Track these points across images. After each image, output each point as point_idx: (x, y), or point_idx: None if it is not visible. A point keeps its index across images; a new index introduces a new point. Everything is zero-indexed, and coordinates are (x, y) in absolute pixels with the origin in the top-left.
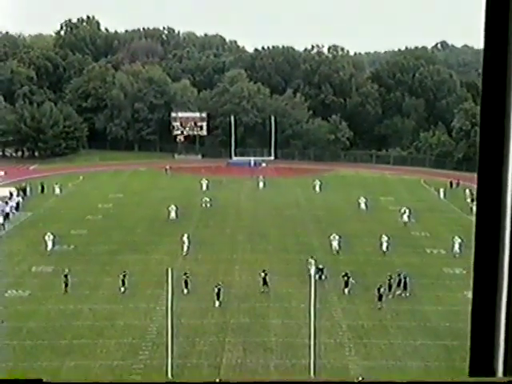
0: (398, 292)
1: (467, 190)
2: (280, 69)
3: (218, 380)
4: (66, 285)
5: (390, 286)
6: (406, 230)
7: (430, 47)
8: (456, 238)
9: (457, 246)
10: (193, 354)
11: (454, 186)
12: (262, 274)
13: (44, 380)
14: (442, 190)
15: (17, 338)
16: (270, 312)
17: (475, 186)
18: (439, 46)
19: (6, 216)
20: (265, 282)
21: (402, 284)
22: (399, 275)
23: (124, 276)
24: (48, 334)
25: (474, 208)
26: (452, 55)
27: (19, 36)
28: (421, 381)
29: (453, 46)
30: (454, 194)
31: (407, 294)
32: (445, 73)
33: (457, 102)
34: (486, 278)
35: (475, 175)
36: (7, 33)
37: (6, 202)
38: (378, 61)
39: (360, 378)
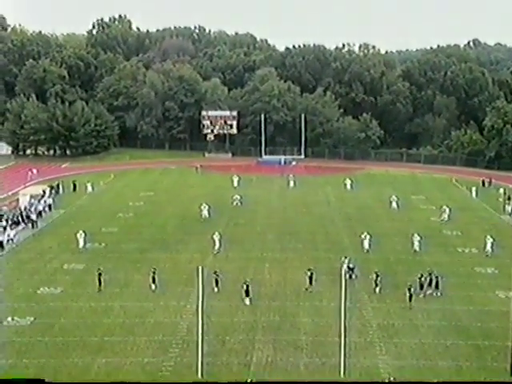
0: (428, 291)
1: (501, 189)
2: (310, 67)
3: (248, 380)
4: (100, 282)
5: (421, 286)
6: (438, 228)
7: (462, 45)
8: (488, 237)
9: (489, 246)
10: (223, 352)
11: (487, 184)
12: (309, 273)
13: (46, 380)
14: (473, 189)
15: (49, 334)
16: (301, 310)
17: (509, 185)
18: (471, 43)
19: (39, 214)
20: (310, 280)
21: (433, 283)
22: (430, 274)
23: (154, 274)
24: (79, 330)
25: (507, 207)
26: (484, 53)
27: (52, 35)
28: (464, 381)
29: (485, 43)
30: (486, 193)
31: (438, 294)
32: (477, 71)
33: (489, 101)
34: None
35: (508, 174)
36: (40, 32)
37: (39, 200)
38: (410, 59)
39: (392, 379)
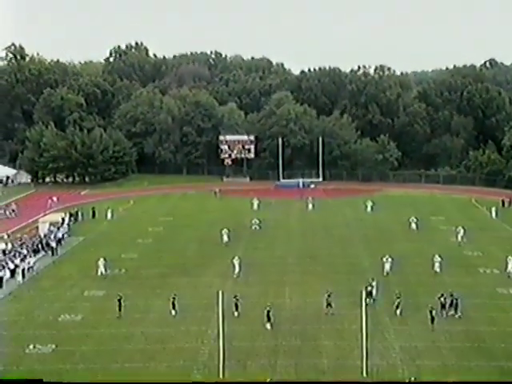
0: (450, 312)
1: None
2: (326, 90)
3: (268, 379)
4: (120, 308)
5: (442, 306)
6: (458, 249)
7: (478, 65)
8: (510, 257)
9: (510, 266)
10: (244, 376)
11: (506, 204)
12: (326, 296)
13: (44, 380)
14: (493, 209)
15: (70, 361)
16: (322, 334)
17: None
18: (487, 63)
19: (59, 241)
20: (329, 304)
21: (454, 304)
22: (452, 295)
23: (174, 300)
24: (100, 357)
25: None
26: (501, 73)
27: (69, 63)
28: (475, 381)
29: (502, 63)
30: (506, 213)
31: (460, 315)
32: (493, 90)
33: (506, 120)
34: None
35: None
36: (58, 60)
37: (58, 228)
38: (425, 80)
39: (412, 379)
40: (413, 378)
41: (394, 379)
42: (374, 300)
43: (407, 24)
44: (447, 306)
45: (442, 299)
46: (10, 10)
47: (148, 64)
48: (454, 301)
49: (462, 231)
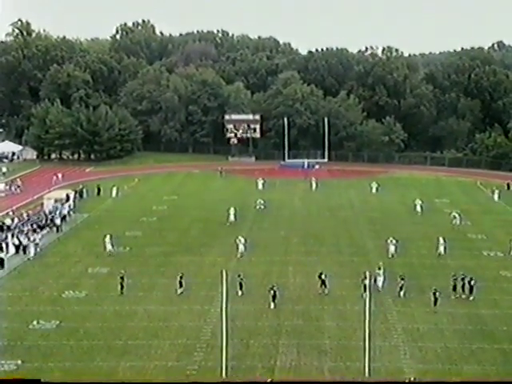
0: (463, 296)
1: None
2: (333, 70)
3: (269, 380)
4: (122, 286)
5: (453, 286)
6: (462, 232)
7: (486, 48)
8: None
9: None
10: (247, 355)
11: None
12: (322, 276)
13: (42, 380)
14: (496, 192)
15: (74, 338)
16: (325, 314)
17: None
18: (496, 46)
19: (64, 218)
20: (323, 283)
21: (470, 287)
22: (463, 279)
23: (181, 278)
24: (104, 334)
25: None
26: (509, 55)
27: (76, 40)
28: (477, 381)
29: (509, 46)
30: (510, 196)
31: (464, 297)
32: (501, 73)
33: None
34: None
35: None
36: (64, 37)
37: (63, 204)
38: (433, 62)
39: (412, 379)
40: (412, 378)
41: (395, 360)
42: (378, 290)
43: (416, 5)
44: (459, 287)
45: (457, 280)
46: None
47: (155, 42)
48: (468, 284)
49: (457, 217)
